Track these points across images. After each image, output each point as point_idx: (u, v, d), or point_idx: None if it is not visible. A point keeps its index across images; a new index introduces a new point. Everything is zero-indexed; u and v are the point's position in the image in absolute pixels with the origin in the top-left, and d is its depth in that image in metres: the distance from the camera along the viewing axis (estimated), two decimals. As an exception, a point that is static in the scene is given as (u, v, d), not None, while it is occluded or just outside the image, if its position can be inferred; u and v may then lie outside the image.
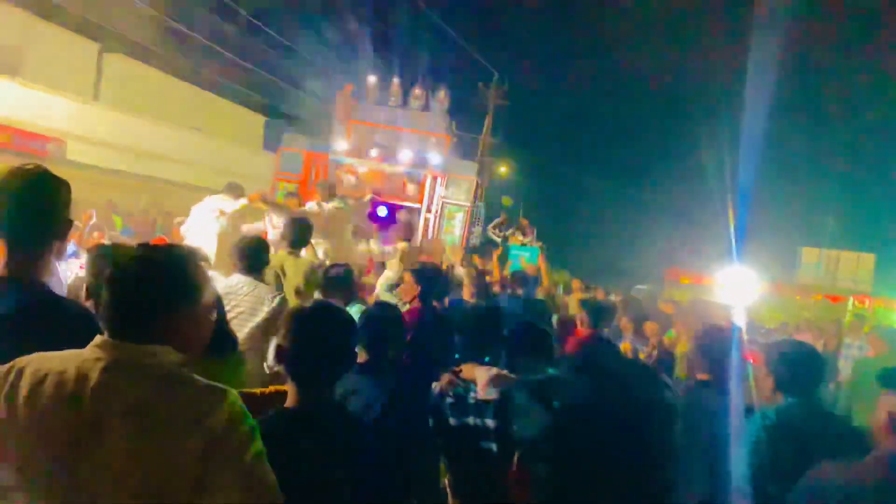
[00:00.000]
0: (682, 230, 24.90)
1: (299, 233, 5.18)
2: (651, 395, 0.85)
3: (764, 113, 12.55)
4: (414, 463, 2.81)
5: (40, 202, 1.99)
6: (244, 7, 20.11)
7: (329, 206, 7.32)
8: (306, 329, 2.00)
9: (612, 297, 10.38)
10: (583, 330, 5.14)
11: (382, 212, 10.32)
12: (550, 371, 0.91)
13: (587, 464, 0.80)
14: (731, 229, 13.02)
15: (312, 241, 5.60)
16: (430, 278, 4.78)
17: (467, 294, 6.19)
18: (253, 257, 4.18)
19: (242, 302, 3.82)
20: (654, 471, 0.82)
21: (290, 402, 1.99)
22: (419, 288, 4.67)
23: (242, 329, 3.65)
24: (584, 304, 5.41)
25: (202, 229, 6.80)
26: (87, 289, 2.55)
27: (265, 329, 3.75)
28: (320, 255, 6.27)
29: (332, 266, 4.70)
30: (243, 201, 7.11)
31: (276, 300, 3.92)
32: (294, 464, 1.56)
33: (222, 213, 6.90)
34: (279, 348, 2.01)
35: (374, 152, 9.96)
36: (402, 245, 7.70)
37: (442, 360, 3.44)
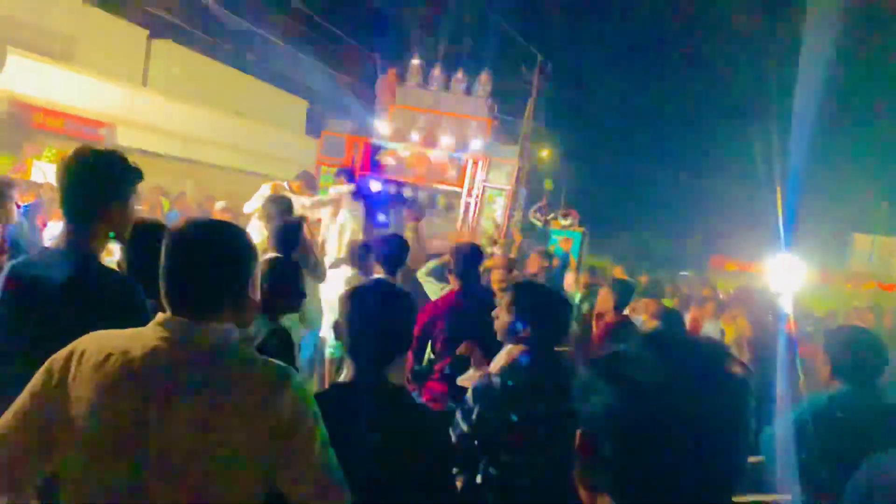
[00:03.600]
0: (729, 216, 24.30)
1: None
2: (725, 371, 0.82)
3: (815, 92, 12.13)
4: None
5: (95, 180, 2.06)
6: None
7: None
8: (361, 308, 2.04)
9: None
10: (608, 313, 5.05)
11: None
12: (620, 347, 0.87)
13: (661, 443, 0.78)
14: (780, 215, 12.65)
15: None
16: (467, 256, 4.41)
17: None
18: (283, 240, 4.25)
19: None
20: (729, 450, 0.79)
21: (346, 376, 2.06)
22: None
23: None
24: (614, 285, 5.31)
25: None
26: (119, 264, 2.54)
27: None
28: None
29: None
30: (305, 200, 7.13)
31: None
32: (342, 440, 1.58)
33: (303, 207, 6.90)
34: (337, 325, 2.07)
35: (415, 136, 9.92)
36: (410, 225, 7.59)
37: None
